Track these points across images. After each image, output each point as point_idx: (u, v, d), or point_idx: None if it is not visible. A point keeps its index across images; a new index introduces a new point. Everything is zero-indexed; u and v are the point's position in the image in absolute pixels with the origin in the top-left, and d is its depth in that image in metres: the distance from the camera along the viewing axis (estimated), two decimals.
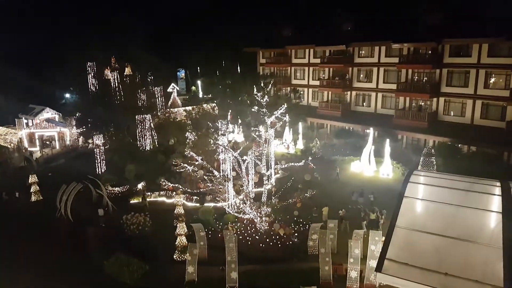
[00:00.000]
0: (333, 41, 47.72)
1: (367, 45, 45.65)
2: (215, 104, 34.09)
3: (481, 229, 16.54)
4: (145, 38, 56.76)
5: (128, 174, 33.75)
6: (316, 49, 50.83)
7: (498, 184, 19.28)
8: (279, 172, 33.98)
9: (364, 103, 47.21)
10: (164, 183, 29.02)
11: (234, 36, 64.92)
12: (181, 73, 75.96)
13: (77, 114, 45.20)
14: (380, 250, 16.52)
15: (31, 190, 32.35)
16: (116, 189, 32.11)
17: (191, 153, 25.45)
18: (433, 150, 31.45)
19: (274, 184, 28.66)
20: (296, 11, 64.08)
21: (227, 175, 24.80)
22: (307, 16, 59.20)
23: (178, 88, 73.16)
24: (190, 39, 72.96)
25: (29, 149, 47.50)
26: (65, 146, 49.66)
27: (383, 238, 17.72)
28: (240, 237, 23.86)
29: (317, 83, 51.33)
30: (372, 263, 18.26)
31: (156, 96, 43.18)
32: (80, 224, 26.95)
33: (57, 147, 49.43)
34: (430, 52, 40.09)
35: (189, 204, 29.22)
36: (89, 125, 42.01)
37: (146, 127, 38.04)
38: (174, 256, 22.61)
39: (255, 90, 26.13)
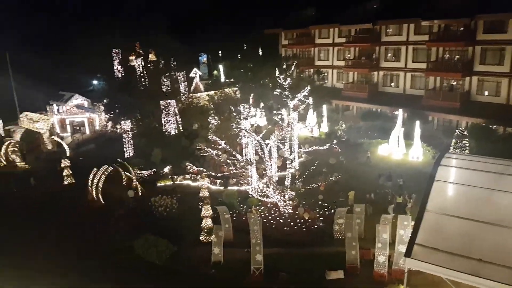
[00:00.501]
0: (359, 19, 46.24)
1: (395, 23, 43.98)
2: (237, 88, 33.88)
3: None
4: (167, 24, 56.89)
5: (155, 157, 34.36)
6: (341, 29, 49.45)
7: None
8: (303, 155, 33.52)
9: (392, 84, 45.80)
10: (189, 166, 29.35)
11: (255, 19, 64.05)
12: (203, 58, 75.74)
13: (105, 100, 46.15)
14: (410, 235, 16.10)
15: (64, 174, 33.47)
16: (144, 172, 32.73)
17: (214, 137, 25.47)
18: (465, 132, 30.25)
19: (297, 168, 28.36)
20: None
21: (250, 159, 24.70)
22: None
23: (200, 73, 73.17)
24: (212, 23, 72.57)
25: (60, 134, 48.85)
26: (95, 132, 50.84)
27: (412, 223, 17.26)
28: (264, 220, 23.88)
29: (342, 63, 50.09)
30: (401, 248, 17.85)
31: (179, 81, 43.35)
32: (111, 206, 27.70)
33: (87, 132, 50.67)
34: (462, 28, 38.24)
35: (213, 187, 29.46)
36: (117, 110, 42.90)
37: (171, 112, 38.37)
38: (200, 238, 22.92)
39: (277, 72, 25.67)
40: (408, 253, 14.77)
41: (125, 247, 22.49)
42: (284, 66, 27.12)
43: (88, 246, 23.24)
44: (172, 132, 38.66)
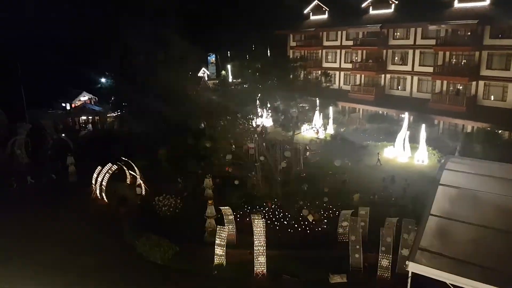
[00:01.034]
0: (366, 22, 46.11)
1: (402, 27, 43.83)
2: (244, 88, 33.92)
3: None
4: (176, 23, 57.07)
5: (160, 156, 34.42)
6: (348, 31, 49.35)
7: None
8: (308, 157, 33.52)
9: (399, 87, 45.63)
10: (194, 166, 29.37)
11: (264, 20, 64.09)
12: (212, 58, 76.02)
13: (112, 98, 46.41)
14: (413, 239, 15.98)
15: (69, 171, 33.65)
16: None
17: (220, 137, 25.53)
18: (471, 136, 30.05)
19: (302, 169, 28.35)
20: None
21: (255, 159, 24.70)
22: None
23: (208, 73, 73.42)
24: (221, 23, 72.64)
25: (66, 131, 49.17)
26: (101, 129, 51.13)
27: (416, 227, 17.17)
28: (268, 221, 23.82)
29: (349, 66, 50.01)
30: (405, 252, 17.76)
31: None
32: (114, 204, 27.78)
33: (93, 129, 50.99)
34: (469, 33, 38.02)
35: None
36: (123, 109, 43.12)
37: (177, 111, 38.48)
38: (204, 238, 22.92)
39: (284, 73, 25.73)
40: (411, 257, 14.65)
41: (127, 246, 22.57)
42: (292, 67, 27.06)
43: (88, 244, 23.35)
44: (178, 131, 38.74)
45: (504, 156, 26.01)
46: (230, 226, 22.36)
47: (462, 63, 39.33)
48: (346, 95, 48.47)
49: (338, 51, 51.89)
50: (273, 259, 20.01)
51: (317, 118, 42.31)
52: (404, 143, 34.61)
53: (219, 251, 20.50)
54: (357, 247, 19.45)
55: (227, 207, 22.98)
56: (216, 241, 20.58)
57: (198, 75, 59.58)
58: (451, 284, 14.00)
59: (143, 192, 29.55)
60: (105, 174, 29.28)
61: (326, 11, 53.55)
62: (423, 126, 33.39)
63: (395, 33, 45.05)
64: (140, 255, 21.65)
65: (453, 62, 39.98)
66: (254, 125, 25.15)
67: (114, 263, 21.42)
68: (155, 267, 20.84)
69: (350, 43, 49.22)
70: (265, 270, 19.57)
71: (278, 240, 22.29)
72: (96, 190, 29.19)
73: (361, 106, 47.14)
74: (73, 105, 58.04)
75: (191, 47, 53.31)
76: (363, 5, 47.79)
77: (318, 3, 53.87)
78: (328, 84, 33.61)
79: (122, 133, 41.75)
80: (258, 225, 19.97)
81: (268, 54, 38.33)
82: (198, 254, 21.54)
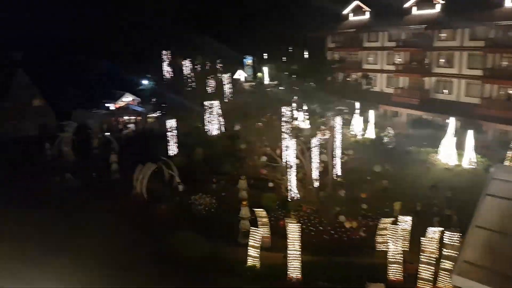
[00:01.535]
0: (410, 23, 44.51)
1: (449, 27, 41.87)
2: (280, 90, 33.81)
3: None
4: (213, 26, 58.15)
5: (197, 156, 34.90)
6: (391, 32, 47.86)
7: None
8: (346, 161, 32.69)
9: (445, 90, 43.59)
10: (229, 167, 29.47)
11: (301, 21, 63.57)
12: (248, 60, 76.41)
13: (153, 100, 47.77)
14: (458, 251, 15.08)
15: (112, 169, 34.78)
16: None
17: (255, 139, 25.42)
18: None
19: (340, 174, 27.64)
20: None
21: (290, 162, 24.34)
22: None
23: (245, 75, 73.78)
24: (257, 25, 72.84)
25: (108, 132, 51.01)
26: (143, 129, 52.66)
27: (461, 239, 16.19)
28: (303, 226, 23.37)
29: (391, 68, 48.45)
30: (447, 264, 16.81)
31: (224, 83, 43.98)
32: (152, 202, 28.40)
33: (135, 129, 52.59)
34: None
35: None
36: (163, 110, 44.32)
37: (214, 113, 38.98)
38: (238, 239, 22.86)
39: (322, 75, 25.25)
40: (455, 270, 13.80)
41: (164, 243, 22.96)
42: (330, 69, 26.54)
43: (128, 240, 23.97)
44: (214, 132, 39.24)
45: None
46: (264, 229, 22.16)
47: None
48: (388, 98, 46.97)
49: (380, 52, 50.43)
50: (307, 264, 19.58)
51: (357, 121, 41.26)
52: (449, 150, 32.98)
53: (252, 252, 20.34)
54: (397, 257, 18.62)
55: (261, 209, 22.80)
56: (250, 243, 20.44)
57: (234, 77, 60.00)
58: None
59: (180, 190, 30.06)
60: (146, 172, 29.97)
61: (367, 12, 52.28)
62: (470, 132, 31.64)
63: (441, 34, 43.14)
64: (176, 253, 21.93)
65: (505, 65, 37.65)
66: (290, 127, 24.80)
67: (151, 259, 21.84)
68: (190, 265, 21.00)
69: (393, 44, 47.67)
70: (299, 275, 19.18)
71: (313, 246, 21.86)
72: (136, 187, 29.96)
73: (404, 110, 45.48)
74: (116, 106, 60.19)
75: (228, 49, 53.99)
76: (406, 5, 46.19)
77: (358, 4, 52.72)
78: (368, 87, 32.69)
79: (162, 133, 42.69)
80: (293, 230, 19.61)
81: (305, 55, 37.83)
82: (231, 255, 21.51)
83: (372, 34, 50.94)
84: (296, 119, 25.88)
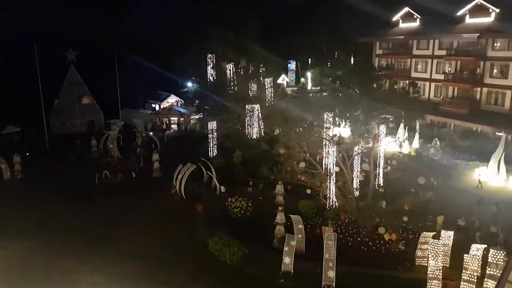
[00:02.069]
0: (462, 31, 42.62)
1: (504, 37, 39.64)
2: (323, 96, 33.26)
3: None
4: (258, 30, 58.55)
5: (236, 159, 35.19)
6: (442, 40, 46.03)
7: None
8: (389, 172, 31.66)
9: (497, 102, 41.29)
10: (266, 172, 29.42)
11: (348, 27, 62.55)
12: (292, 65, 76.13)
13: (196, 102, 48.78)
14: (501, 271, 14.21)
15: (154, 167, 35.82)
16: None
17: (294, 144, 25.20)
18: None
19: (381, 184, 26.78)
20: None
21: (330, 170, 23.91)
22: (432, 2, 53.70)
23: (288, 80, 73.56)
24: (303, 30, 72.49)
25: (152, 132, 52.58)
26: (185, 130, 53.87)
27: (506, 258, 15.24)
28: (340, 236, 22.89)
29: (441, 77, 46.53)
30: (490, 283, 15.92)
31: (266, 87, 44.11)
32: (191, 202, 28.91)
33: (178, 130, 53.90)
34: None
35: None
36: (206, 112, 45.12)
37: (255, 116, 39.17)
38: (272, 244, 22.75)
39: (367, 82, 24.60)
40: None
41: (200, 243, 23.31)
42: (376, 76, 25.80)
43: (166, 237, 24.57)
44: (254, 136, 39.42)
45: None
46: (300, 236, 21.92)
47: None
48: (436, 108, 45.13)
49: (429, 60, 48.62)
50: (343, 274, 19.18)
51: (402, 131, 39.92)
52: (499, 165, 31.16)
53: (287, 259, 20.19)
54: (437, 272, 17.81)
55: (297, 216, 22.57)
56: (285, 249, 20.31)
57: (277, 81, 59.96)
58: None
59: (218, 192, 30.42)
60: (185, 172, 30.61)
61: (418, 19, 50.66)
62: None
63: (495, 44, 40.94)
64: (211, 253, 22.25)
65: None
66: (331, 134, 24.36)
67: (186, 258, 22.31)
68: (224, 267, 21.24)
69: (443, 52, 45.82)
70: (333, 285, 18.78)
71: (350, 256, 21.41)
72: (176, 186, 30.65)
73: (453, 121, 43.51)
74: (161, 106, 61.93)
75: (272, 54, 54.08)
76: (459, 13, 44.26)
77: (408, 10, 51.18)
78: (416, 95, 31.47)
79: (203, 135, 43.57)
80: (329, 238, 19.27)
81: (351, 61, 37.09)
82: (265, 259, 21.46)
83: (422, 41, 49.27)
84: (338, 125, 25.33)
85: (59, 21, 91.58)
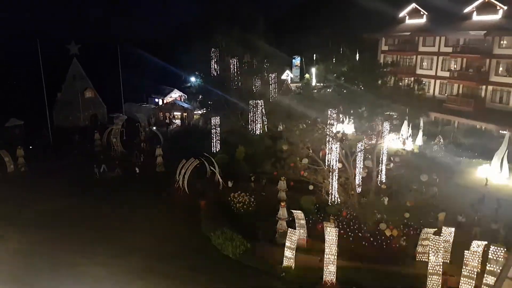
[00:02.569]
0: (469, 28, 42.33)
1: (511, 34, 39.34)
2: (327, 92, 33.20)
3: None
4: (263, 26, 58.26)
5: (239, 155, 35.26)
6: (448, 37, 45.76)
7: None
8: (391, 168, 31.64)
9: (502, 100, 41.08)
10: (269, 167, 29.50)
11: (353, 23, 62.22)
12: (296, 61, 75.80)
13: (200, 97, 48.80)
14: (501, 267, 14.30)
15: (157, 162, 35.96)
16: None
17: (298, 140, 25.22)
18: None
19: (384, 181, 26.81)
20: None
21: (332, 166, 23.94)
22: None
23: (292, 76, 73.33)
24: (308, 25, 72.19)
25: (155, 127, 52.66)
26: (188, 125, 53.92)
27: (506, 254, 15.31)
28: (342, 231, 22.98)
29: (446, 74, 46.29)
30: (490, 279, 16.00)
31: (270, 82, 44.03)
32: (193, 196, 29.06)
33: (181, 125, 53.97)
34: None
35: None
36: (209, 107, 45.17)
37: (258, 112, 39.15)
38: (274, 239, 22.88)
39: (372, 78, 24.55)
40: (497, 286, 13.19)
41: (203, 237, 23.46)
42: (381, 73, 25.68)
43: (169, 232, 24.76)
44: (257, 132, 39.42)
45: None
46: (301, 231, 22.08)
47: None
48: (440, 106, 44.96)
49: (435, 57, 48.36)
50: (343, 269, 19.34)
51: (405, 128, 39.85)
52: (502, 163, 31.09)
53: (288, 253, 20.34)
54: (437, 268, 17.88)
55: (299, 211, 22.68)
56: (286, 244, 20.45)
57: (282, 77, 59.83)
58: None
59: (220, 187, 30.54)
60: (188, 167, 30.73)
61: (424, 15, 50.35)
62: None
63: (502, 41, 40.65)
64: (214, 247, 22.46)
65: None
66: (334, 130, 24.36)
67: (190, 252, 22.52)
68: (226, 261, 21.44)
69: (449, 49, 45.56)
70: (334, 279, 18.92)
71: (351, 251, 21.52)
72: (179, 181, 30.78)
73: (457, 119, 43.35)
74: (164, 101, 61.95)
75: (276, 50, 53.87)
76: (466, 10, 43.97)
77: (415, 7, 50.85)
78: (420, 93, 31.31)
79: (206, 130, 43.65)
80: (331, 234, 19.36)
81: (357, 58, 36.90)
82: (267, 254, 21.67)
83: (428, 38, 48.99)
84: (342, 122, 25.31)
85: (59, 21, 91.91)
